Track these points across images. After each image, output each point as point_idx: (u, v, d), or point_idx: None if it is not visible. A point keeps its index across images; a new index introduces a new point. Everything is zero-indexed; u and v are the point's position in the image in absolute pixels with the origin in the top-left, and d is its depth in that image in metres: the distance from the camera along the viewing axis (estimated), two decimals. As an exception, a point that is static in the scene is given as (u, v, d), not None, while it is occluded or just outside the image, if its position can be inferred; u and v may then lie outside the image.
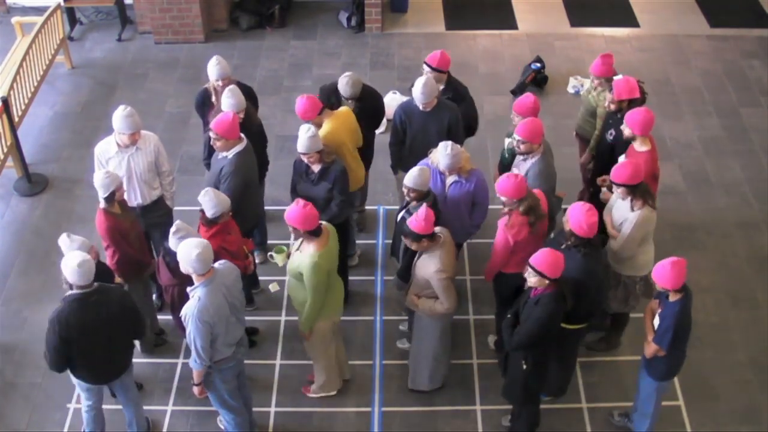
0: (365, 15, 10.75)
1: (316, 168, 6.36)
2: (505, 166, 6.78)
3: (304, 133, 6.19)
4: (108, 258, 6.18)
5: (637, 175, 5.84)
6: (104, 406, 6.08)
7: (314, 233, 5.63)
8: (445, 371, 6.46)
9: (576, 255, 5.57)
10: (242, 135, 6.38)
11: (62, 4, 10.18)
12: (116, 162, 6.44)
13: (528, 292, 5.51)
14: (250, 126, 6.78)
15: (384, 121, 9.17)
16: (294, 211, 5.58)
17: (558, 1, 11.50)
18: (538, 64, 9.76)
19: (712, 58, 10.39)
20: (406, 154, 6.96)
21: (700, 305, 7.19)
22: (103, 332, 5.38)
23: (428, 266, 5.71)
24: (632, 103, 6.66)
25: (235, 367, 5.66)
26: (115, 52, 10.53)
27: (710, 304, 7.29)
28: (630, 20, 11.09)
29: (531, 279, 5.36)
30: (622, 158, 6.38)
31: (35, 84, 9.07)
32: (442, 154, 6.13)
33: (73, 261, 5.18)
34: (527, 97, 6.61)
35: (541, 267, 5.26)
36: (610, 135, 6.83)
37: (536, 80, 9.73)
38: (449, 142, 6.17)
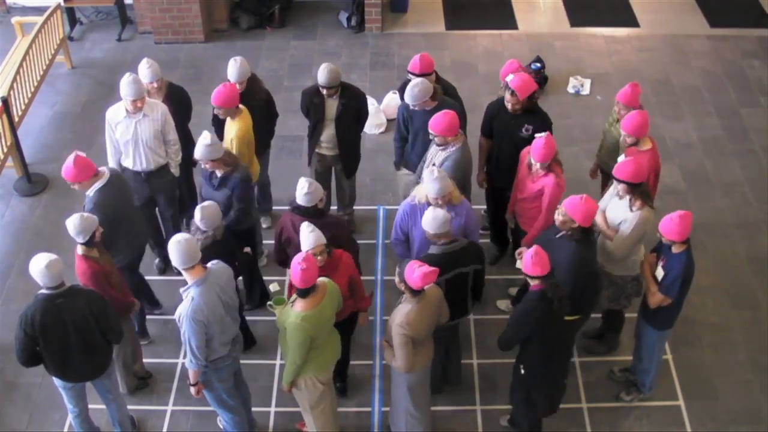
0: (365, 15, 10.75)
1: (219, 173, 6.35)
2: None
3: (203, 140, 6.16)
4: None
5: (640, 175, 5.84)
6: (95, 406, 6.11)
7: (302, 294, 5.24)
8: (425, 429, 6.01)
9: (569, 244, 5.58)
10: (102, 169, 6.11)
11: (62, 4, 10.18)
12: (124, 127, 6.64)
13: None
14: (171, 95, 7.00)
15: (384, 121, 9.19)
16: (295, 269, 5.15)
17: (558, 1, 11.51)
18: (538, 64, 9.75)
19: (712, 58, 10.39)
20: (408, 152, 6.95)
21: (700, 305, 7.21)
22: (68, 334, 5.35)
23: (396, 315, 5.40)
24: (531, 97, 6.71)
25: (231, 365, 5.66)
26: (115, 52, 10.54)
27: (710, 304, 7.29)
28: (630, 20, 11.09)
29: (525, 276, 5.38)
30: (621, 157, 6.38)
31: (35, 84, 9.07)
32: (430, 180, 5.80)
33: (41, 262, 5.19)
34: (512, 63, 6.98)
35: (524, 267, 5.27)
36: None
37: (536, 80, 9.67)
38: (433, 168, 5.92)
